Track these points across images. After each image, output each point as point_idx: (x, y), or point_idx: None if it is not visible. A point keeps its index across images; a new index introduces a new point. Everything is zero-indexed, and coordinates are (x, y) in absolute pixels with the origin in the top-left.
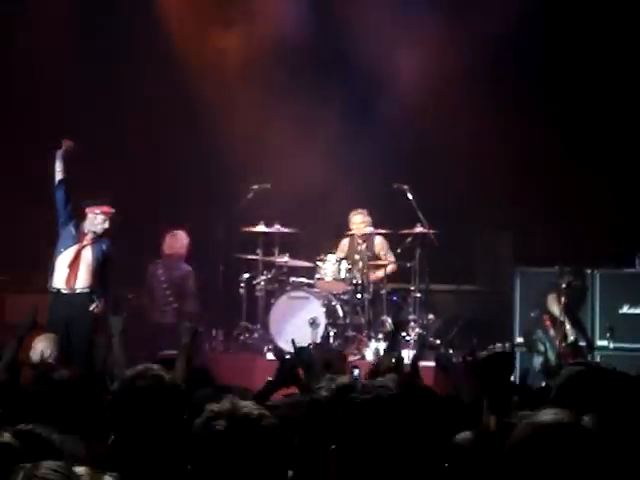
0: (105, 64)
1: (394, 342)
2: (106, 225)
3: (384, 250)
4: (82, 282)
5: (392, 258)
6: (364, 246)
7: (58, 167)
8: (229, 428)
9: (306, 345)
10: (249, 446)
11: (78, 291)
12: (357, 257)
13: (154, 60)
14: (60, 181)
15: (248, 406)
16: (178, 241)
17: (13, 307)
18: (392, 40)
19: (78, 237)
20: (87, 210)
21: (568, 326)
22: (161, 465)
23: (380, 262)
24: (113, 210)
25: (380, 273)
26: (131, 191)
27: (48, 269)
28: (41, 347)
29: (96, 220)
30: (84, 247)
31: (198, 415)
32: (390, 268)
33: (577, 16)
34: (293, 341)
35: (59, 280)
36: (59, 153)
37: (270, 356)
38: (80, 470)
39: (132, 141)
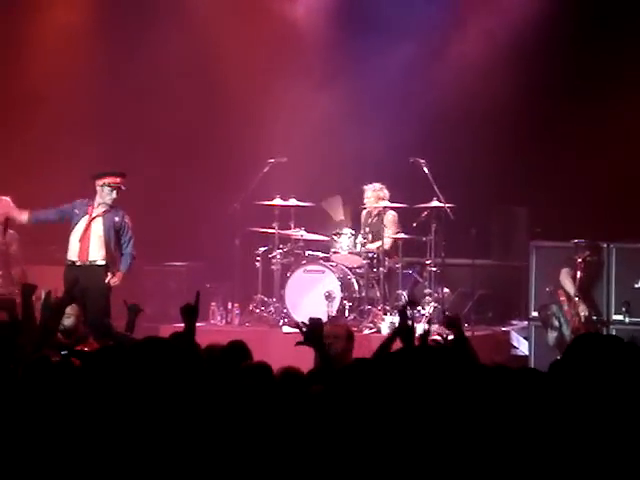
0: (125, 39)
1: (404, 317)
2: (114, 195)
3: (389, 224)
4: (94, 254)
5: (393, 233)
6: (375, 219)
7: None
8: None
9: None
10: None
11: (92, 263)
12: (367, 229)
13: (175, 31)
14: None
15: None
16: (2, 207)
17: (35, 279)
18: (417, 16)
19: (86, 210)
20: (95, 183)
21: (582, 301)
22: None
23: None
24: (119, 180)
25: (374, 246)
26: (148, 166)
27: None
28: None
29: (103, 192)
30: (93, 219)
31: None
32: (386, 242)
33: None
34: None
35: (72, 254)
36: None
37: (286, 329)
38: None
39: (151, 115)
